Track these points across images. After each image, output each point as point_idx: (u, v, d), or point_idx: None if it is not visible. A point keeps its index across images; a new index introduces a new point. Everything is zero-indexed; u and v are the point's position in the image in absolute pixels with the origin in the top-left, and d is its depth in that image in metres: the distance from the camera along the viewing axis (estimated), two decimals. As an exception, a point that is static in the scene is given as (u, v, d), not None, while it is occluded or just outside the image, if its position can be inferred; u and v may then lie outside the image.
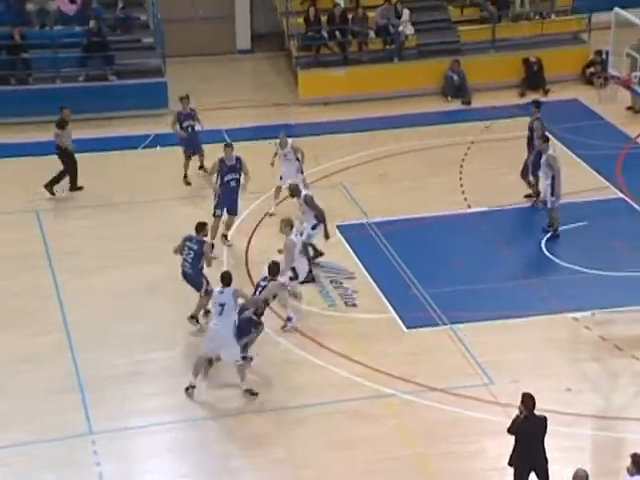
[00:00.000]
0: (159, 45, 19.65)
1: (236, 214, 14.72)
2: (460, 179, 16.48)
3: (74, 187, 16.25)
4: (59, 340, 12.61)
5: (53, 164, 16.16)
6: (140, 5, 20.54)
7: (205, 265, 12.59)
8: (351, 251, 14.48)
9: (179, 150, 16.68)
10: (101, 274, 14.01)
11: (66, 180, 16.23)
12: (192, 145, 16.44)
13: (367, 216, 15.43)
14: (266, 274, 12.13)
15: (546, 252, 14.28)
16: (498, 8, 20.48)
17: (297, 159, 15.25)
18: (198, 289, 12.68)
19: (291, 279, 12.90)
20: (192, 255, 12.47)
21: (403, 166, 17.00)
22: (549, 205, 14.47)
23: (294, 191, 13.89)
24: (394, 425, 11.24)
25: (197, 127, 16.42)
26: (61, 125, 15.93)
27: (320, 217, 13.69)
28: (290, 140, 15.31)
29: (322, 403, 11.51)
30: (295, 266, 12.89)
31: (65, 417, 11.30)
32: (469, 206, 15.60)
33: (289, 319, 12.79)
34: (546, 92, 19.70)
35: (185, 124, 16.29)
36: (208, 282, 12.57)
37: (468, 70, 19.54)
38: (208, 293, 12.45)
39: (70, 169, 16.11)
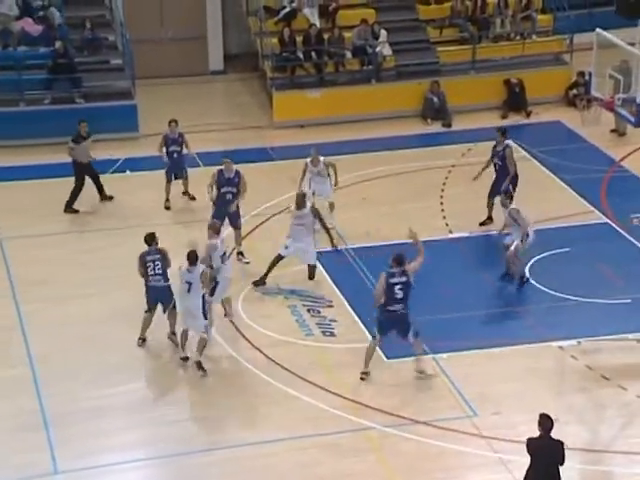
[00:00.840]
0: (128, 67, 19.70)
1: (238, 227, 14.83)
2: (441, 203, 16.59)
3: (103, 197, 16.69)
4: (23, 374, 12.50)
5: (14, 190, 16.13)
6: (108, 26, 20.60)
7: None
8: (329, 278, 14.50)
9: (151, 174, 16.70)
10: (70, 303, 13.94)
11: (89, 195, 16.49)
12: (176, 169, 16.52)
13: (345, 242, 15.48)
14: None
15: (530, 279, 14.36)
16: (478, 28, 20.74)
17: (329, 175, 15.49)
18: (167, 304, 12.76)
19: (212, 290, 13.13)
20: (159, 265, 12.65)
21: (383, 190, 17.09)
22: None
23: (300, 199, 13.99)
24: (374, 460, 11.21)
25: (184, 151, 16.48)
26: (76, 140, 16.34)
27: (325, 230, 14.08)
28: (322, 157, 15.45)
29: (298, 437, 11.46)
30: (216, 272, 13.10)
31: (29, 456, 11.17)
32: (451, 231, 15.69)
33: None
34: (528, 114, 19.93)
35: (171, 149, 16.36)
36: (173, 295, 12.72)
37: (448, 92, 19.73)
38: (174, 307, 12.75)
39: (80, 184, 16.47)
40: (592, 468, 9.90)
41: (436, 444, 11.32)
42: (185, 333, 12.65)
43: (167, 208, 16.42)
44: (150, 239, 12.83)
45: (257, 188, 16.86)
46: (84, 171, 16.52)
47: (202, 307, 12.41)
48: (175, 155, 16.38)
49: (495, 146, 15.69)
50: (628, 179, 17.37)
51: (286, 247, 14.04)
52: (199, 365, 12.42)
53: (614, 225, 15.64)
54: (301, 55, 20.07)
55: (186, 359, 12.59)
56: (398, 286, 12.07)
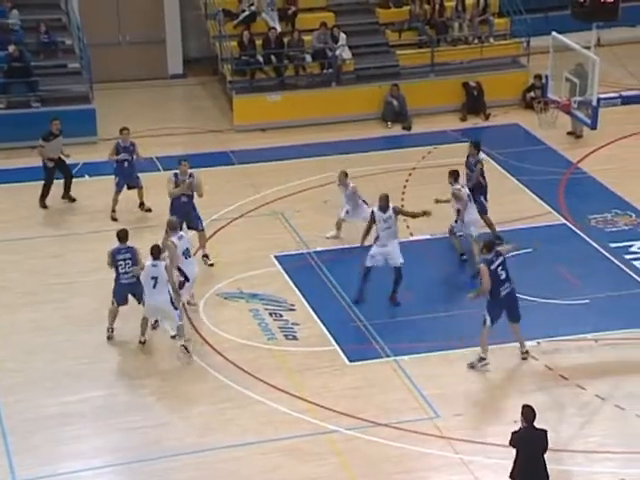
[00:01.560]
0: (86, 70, 19.57)
1: (198, 229, 14.75)
2: (402, 206, 16.64)
3: (45, 194, 16.59)
4: (-19, 382, 12.37)
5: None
6: (64, 29, 20.45)
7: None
8: (291, 282, 14.52)
9: (109, 179, 16.58)
10: (29, 310, 13.82)
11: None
12: (128, 179, 16.33)
13: (307, 246, 15.52)
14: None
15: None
16: (437, 32, 20.90)
17: (363, 201, 15.29)
18: (141, 295, 12.84)
19: (181, 284, 13.24)
20: (130, 264, 12.79)
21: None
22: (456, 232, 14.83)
23: (384, 201, 13.76)
24: (337, 463, 11.25)
25: (135, 159, 16.24)
26: (46, 137, 16.38)
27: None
28: (351, 184, 15.26)
29: (261, 441, 11.46)
30: (181, 267, 13.20)
31: (-13, 465, 11.05)
32: (411, 234, 15.79)
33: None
34: (487, 116, 20.13)
35: (121, 156, 16.18)
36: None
37: (408, 95, 19.86)
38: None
39: (48, 182, 16.52)
40: (552, 467, 10.00)
41: (398, 446, 11.38)
42: (145, 320, 12.88)
43: (114, 219, 16.13)
44: (123, 235, 12.92)
45: (218, 192, 16.87)
46: (55, 168, 16.52)
47: (170, 299, 12.57)
48: (126, 164, 16.12)
49: (468, 157, 15.68)
50: (585, 181, 17.60)
51: (372, 256, 13.71)
52: (186, 348, 12.74)
53: (572, 226, 15.84)
54: (261, 59, 20.07)
55: (143, 343, 12.95)
56: (499, 268, 12.43)
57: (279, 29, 20.38)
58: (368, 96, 19.98)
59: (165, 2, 21.60)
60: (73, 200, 16.80)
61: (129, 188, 16.35)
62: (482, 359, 12.63)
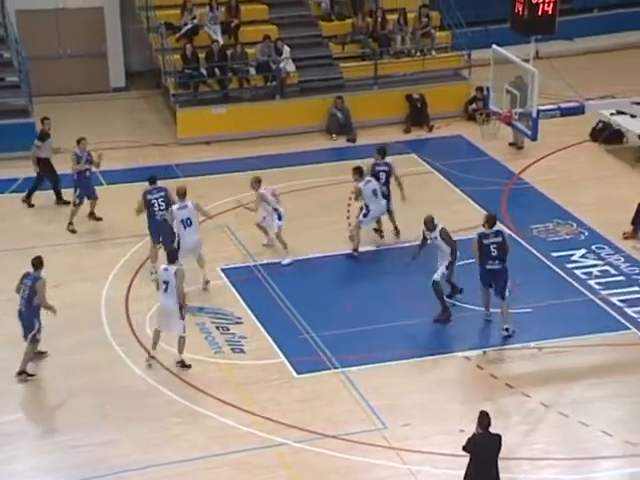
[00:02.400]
0: (24, 84, 19.34)
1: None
2: (348, 218, 16.76)
3: (59, 200, 16.94)
4: None
5: None
6: (2, 42, 20.19)
7: (41, 304, 12.46)
8: (237, 295, 14.49)
9: (50, 193, 16.37)
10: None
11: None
12: (88, 190, 16.19)
13: (253, 258, 15.50)
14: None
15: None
16: (379, 45, 21.08)
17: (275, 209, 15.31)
18: (26, 333, 12.48)
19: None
20: (27, 292, 12.44)
21: (289, 206, 17.14)
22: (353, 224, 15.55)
23: (430, 224, 13.91)
24: (285, 476, 11.24)
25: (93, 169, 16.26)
26: (41, 137, 16.64)
27: (454, 254, 13.82)
28: (260, 190, 15.13)
29: (209, 456, 11.40)
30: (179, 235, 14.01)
31: None
32: (382, 236, 15.91)
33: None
34: (430, 128, 20.35)
35: (84, 166, 16.04)
36: (40, 328, 12.48)
37: (352, 107, 19.99)
38: (34, 341, 12.48)
39: (38, 181, 16.85)
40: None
41: (346, 458, 11.41)
42: (158, 333, 12.82)
43: (73, 231, 16.04)
44: (36, 264, 12.57)
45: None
46: (46, 167, 16.79)
47: (179, 308, 12.56)
48: (87, 174, 16.08)
49: (374, 165, 15.95)
50: (527, 191, 17.88)
51: (436, 272, 13.79)
52: (182, 364, 12.75)
53: (515, 236, 16.05)
54: (204, 71, 20.04)
55: (152, 358, 12.80)
56: (493, 245, 13.29)
57: (222, 42, 20.38)
58: (312, 108, 20.06)
59: (106, 15, 21.46)
60: (67, 203, 16.69)
61: (88, 198, 16.26)
62: (488, 315, 13.71)
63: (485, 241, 13.43)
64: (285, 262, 15.22)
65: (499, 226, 14.03)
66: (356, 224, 15.55)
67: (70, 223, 16.13)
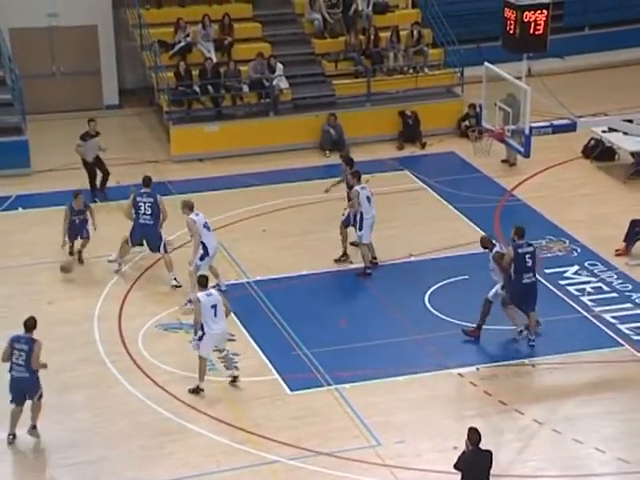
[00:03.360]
0: (18, 102, 19.38)
1: (159, 251, 15.18)
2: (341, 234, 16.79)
3: (93, 187, 17.75)
4: None
5: None
6: (-5, 61, 20.27)
7: (37, 367, 11.62)
8: (232, 313, 14.48)
9: (43, 211, 16.35)
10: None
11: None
12: (79, 231, 15.64)
13: (247, 275, 15.52)
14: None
15: (429, 307, 14.67)
16: (372, 62, 21.19)
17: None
18: (32, 395, 11.65)
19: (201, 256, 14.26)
20: (24, 357, 11.54)
21: (283, 222, 17.23)
22: (357, 240, 15.49)
23: (486, 243, 13.76)
24: (280, 494, 11.23)
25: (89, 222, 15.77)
26: (83, 137, 17.35)
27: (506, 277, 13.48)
28: (189, 216, 14.59)
29: (202, 474, 11.37)
30: (204, 241, 14.29)
31: None
32: (351, 262, 15.90)
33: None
34: (423, 145, 20.43)
35: (74, 218, 15.53)
36: (40, 386, 11.69)
37: (345, 124, 20.07)
38: (41, 396, 11.73)
39: (90, 177, 17.65)
40: (492, 492, 10.17)
41: (340, 475, 11.40)
42: (204, 363, 12.63)
43: (63, 269, 15.26)
44: (28, 325, 11.70)
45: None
46: (91, 166, 17.59)
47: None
48: (77, 221, 15.57)
49: (346, 175, 16.17)
50: (519, 208, 17.95)
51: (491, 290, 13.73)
52: (235, 379, 12.85)
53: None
54: (198, 89, 20.11)
55: (201, 391, 12.66)
56: (527, 256, 13.17)
57: (215, 59, 20.46)
58: (305, 125, 20.14)
59: (100, 33, 21.55)
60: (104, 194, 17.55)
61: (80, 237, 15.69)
62: (521, 331, 13.55)
63: (520, 250, 13.33)
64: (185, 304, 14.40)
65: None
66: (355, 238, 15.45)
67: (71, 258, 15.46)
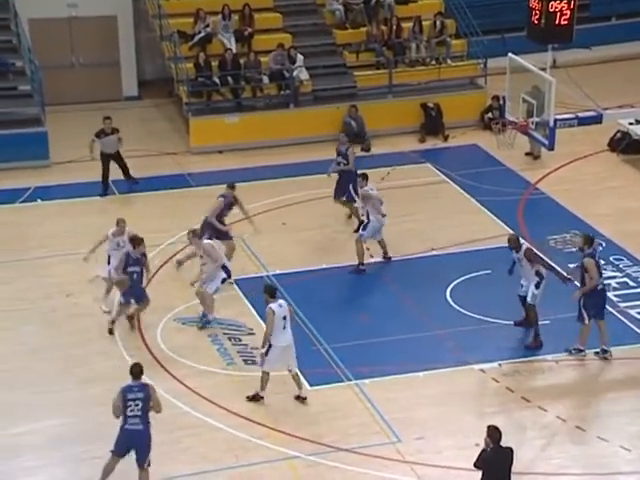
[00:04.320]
0: (37, 93, 19.48)
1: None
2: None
3: (105, 179, 17.73)
4: None
5: None
6: (15, 51, 20.34)
7: (159, 410, 10.81)
8: (250, 306, 14.51)
9: (62, 202, 16.44)
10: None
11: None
12: (134, 293, 13.79)
13: (266, 269, 15.53)
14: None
15: (451, 302, 14.63)
16: (394, 53, 21.12)
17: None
18: (141, 459, 10.70)
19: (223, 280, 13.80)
20: (140, 406, 10.60)
21: (303, 215, 17.22)
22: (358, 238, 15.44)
23: (514, 243, 13.62)
24: (299, 490, 11.25)
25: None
26: (98, 135, 17.39)
27: (543, 273, 13.38)
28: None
29: (221, 469, 11.40)
30: (226, 264, 13.82)
31: None
32: (371, 256, 15.88)
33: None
34: (445, 137, 20.35)
35: (130, 269, 13.58)
36: (150, 448, 10.73)
37: (366, 116, 20.03)
38: (149, 465, 10.77)
39: (104, 172, 17.64)
40: (515, 490, 10.13)
41: (360, 471, 11.39)
42: (267, 376, 12.31)
43: (111, 332, 13.76)
44: (135, 372, 10.72)
45: (175, 215, 16.88)
46: (108, 159, 17.58)
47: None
48: (135, 276, 13.59)
49: (338, 146, 16.56)
50: (543, 201, 17.86)
51: (521, 286, 13.68)
52: (302, 398, 12.43)
53: (531, 246, 16.01)
54: (217, 80, 20.12)
55: (262, 398, 12.33)
56: (599, 260, 13.12)
57: (235, 50, 20.46)
58: (326, 117, 20.11)
59: (119, 24, 21.61)
60: (135, 180, 17.77)
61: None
62: (580, 350, 13.20)
63: (597, 258, 13.17)
64: (206, 319, 13.93)
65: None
66: (357, 238, 15.36)
67: (112, 322, 13.79)
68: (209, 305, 13.93)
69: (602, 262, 15.55)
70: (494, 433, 9.79)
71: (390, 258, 15.66)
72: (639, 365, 13.24)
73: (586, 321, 13.10)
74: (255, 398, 12.40)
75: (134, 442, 10.70)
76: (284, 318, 12.11)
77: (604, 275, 13.71)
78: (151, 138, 20.26)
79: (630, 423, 12.18)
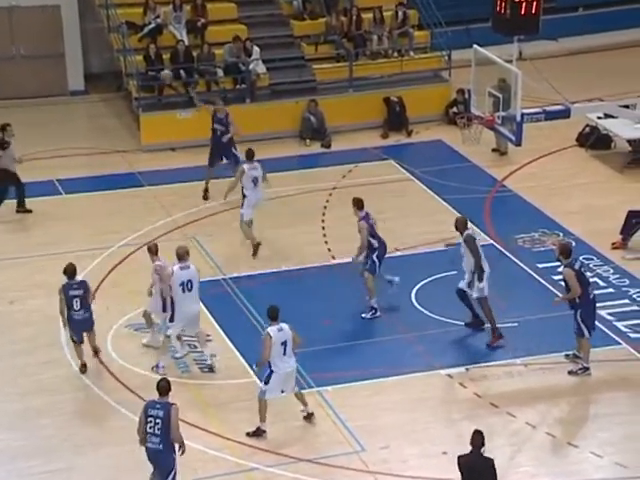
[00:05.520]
0: (-26, 87, 19.28)
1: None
2: (323, 228, 16.84)
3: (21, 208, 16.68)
4: None
5: None
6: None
7: (177, 440, 10.66)
8: (206, 311, 14.47)
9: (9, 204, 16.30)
10: None
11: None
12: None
13: (222, 271, 15.51)
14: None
15: (416, 304, 14.73)
16: (354, 45, 21.21)
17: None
18: (166, 476, 10.68)
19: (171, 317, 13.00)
20: (160, 425, 10.55)
21: (261, 215, 17.20)
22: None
23: (459, 225, 13.60)
24: (258, 503, 11.26)
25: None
26: (1, 145, 16.26)
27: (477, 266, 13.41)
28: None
29: (176, 483, 11.38)
30: (175, 300, 12.87)
31: None
32: (333, 257, 15.94)
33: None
34: (409, 133, 20.48)
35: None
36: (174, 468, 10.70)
37: (326, 111, 20.09)
38: None
39: (19, 188, 16.59)
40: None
41: (323, 483, 11.45)
42: (264, 404, 12.02)
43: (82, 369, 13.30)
44: (164, 388, 10.70)
45: (126, 216, 16.79)
46: (9, 178, 16.48)
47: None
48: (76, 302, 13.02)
49: (214, 114, 17.14)
50: (510, 199, 18.04)
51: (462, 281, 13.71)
52: (310, 416, 12.28)
53: (498, 246, 16.21)
54: (169, 73, 20.04)
55: (264, 432, 12.03)
56: (582, 269, 13.03)
57: (187, 42, 20.41)
58: (284, 112, 20.14)
59: (63, 13, 21.44)
60: (29, 211, 16.76)
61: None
62: (586, 369, 13.15)
63: (576, 266, 12.95)
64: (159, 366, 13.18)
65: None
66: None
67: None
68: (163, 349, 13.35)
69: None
70: (475, 438, 9.88)
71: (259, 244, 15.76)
72: (610, 369, 13.43)
73: (586, 334, 13.03)
74: (257, 433, 12.00)
75: (154, 461, 10.68)
76: (283, 344, 11.84)
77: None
78: (99, 135, 20.14)
79: (601, 429, 12.36)
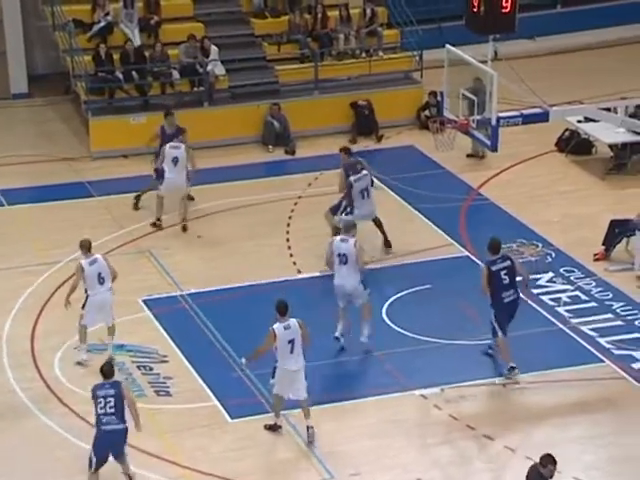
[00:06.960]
0: None
1: None
2: (287, 240, 16.88)
3: None
4: None
5: None
6: None
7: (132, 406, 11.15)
8: (162, 329, 14.47)
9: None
10: None
11: None
12: None
13: (180, 287, 15.49)
14: None
15: (387, 320, 14.80)
16: (320, 45, 21.31)
17: None
18: (120, 454, 11.11)
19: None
20: (112, 402, 10.93)
21: (221, 227, 17.24)
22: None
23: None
24: (219, 536, 11.24)
25: None
26: None
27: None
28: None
29: (131, 516, 11.34)
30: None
31: None
32: (299, 271, 15.99)
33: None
34: (379, 138, 20.60)
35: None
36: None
37: (290, 115, 20.16)
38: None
39: None
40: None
41: (289, 513, 11.46)
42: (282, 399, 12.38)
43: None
44: (107, 372, 11.10)
45: (75, 229, 16.72)
46: None
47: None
48: None
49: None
50: (487, 208, 18.18)
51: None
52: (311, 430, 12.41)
53: (474, 258, 16.32)
54: (121, 75, 20.03)
55: (280, 428, 12.51)
56: (503, 271, 13.26)
57: (139, 42, 20.41)
58: (245, 117, 20.19)
59: (4, 10, 21.37)
60: None
61: None
62: (513, 368, 13.46)
63: (494, 267, 13.37)
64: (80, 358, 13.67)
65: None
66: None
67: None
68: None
69: (551, 274, 15.95)
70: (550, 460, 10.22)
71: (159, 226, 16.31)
72: (592, 388, 13.57)
73: (499, 334, 13.50)
74: (273, 428, 12.49)
75: (115, 444, 10.99)
76: (290, 342, 12.09)
77: (557, 288, 14.05)
78: (44, 141, 20.07)
79: (584, 451, 12.48)
